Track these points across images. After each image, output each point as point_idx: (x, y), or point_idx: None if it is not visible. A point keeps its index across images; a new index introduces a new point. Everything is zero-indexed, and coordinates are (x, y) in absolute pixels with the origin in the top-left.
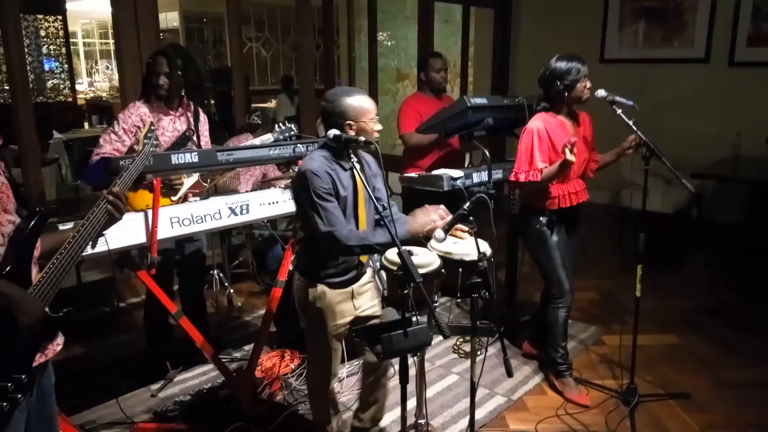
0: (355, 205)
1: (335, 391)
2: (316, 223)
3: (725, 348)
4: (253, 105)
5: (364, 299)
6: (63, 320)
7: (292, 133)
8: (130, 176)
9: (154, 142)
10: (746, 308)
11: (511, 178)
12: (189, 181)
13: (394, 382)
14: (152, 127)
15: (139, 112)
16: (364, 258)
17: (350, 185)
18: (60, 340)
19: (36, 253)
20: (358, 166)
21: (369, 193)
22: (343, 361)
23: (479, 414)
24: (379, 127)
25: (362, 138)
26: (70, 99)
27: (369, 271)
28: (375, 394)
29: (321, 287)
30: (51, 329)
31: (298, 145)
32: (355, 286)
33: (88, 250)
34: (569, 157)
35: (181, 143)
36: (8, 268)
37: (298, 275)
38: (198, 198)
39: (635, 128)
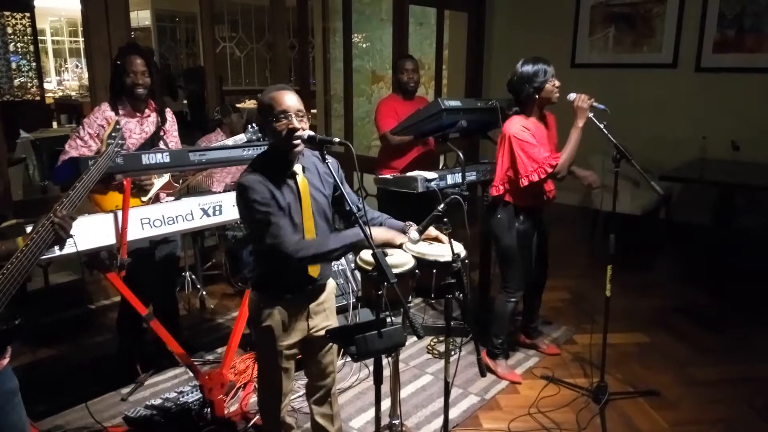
0: (301, 216)
1: (287, 409)
2: (262, 237)
3: (693, 346)
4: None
5: (319, 319)
6: (13, 332)
7: None
8: (85, 187)
9: (119, 142)
10: (714, 307)
11: (523, 183)
12: (160, 181)
13: (368, 383)
14: (117, 126)
15: (104, 116)
16: (314, 272)
17: (291, 195)
18: (7, 353)
19: None
20: (300, 174)
21: (320, 201)
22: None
23: (453, 413)
24: (298, 125)
25: (336, 139)
26: (38, 98)
27: (331, 286)
28: (323, 418)
29: (273, 305)
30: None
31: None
32: (312, 305)
33: (57, 252)
34: (580, 103)
35: (150, 145)
36: None
37: (251, 289)
38: (171, 198)
39: (606, 131)
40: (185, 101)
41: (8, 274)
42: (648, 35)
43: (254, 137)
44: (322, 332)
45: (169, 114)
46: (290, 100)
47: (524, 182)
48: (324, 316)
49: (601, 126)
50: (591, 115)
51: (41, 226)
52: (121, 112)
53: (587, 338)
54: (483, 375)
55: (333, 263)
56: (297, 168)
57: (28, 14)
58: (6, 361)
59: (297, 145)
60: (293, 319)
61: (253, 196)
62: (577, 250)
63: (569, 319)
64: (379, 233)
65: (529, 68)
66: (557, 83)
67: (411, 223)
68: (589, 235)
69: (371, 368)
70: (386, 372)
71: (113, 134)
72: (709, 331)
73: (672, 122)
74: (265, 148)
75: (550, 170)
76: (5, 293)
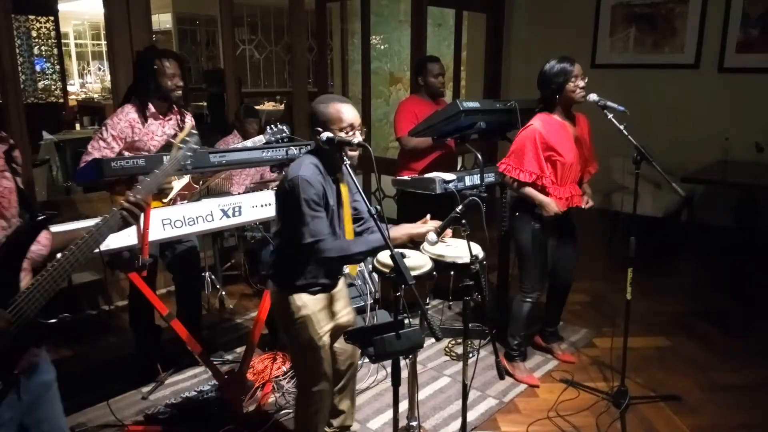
0: (340, 216)
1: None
2: (302, 233)
3: (715, 350)
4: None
5: (340, 305)
6: (52, 327)
7: (284, 134)
8: (156, 181)
9: (193, 147)
10: (736, 311)
11: (499, 164)
12: (179, 183)
13: (386, 384)
14: (192, 131)
15: (128, 118)
16: (353, 270)
17: (334, 198)
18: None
19: (26, 264)
20: (348, 174)
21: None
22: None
23: (471, 416)
24: (357, 139)
25: (355, 140)
26: (61, 100)
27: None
28: (345, 402)
29: (301, 296)
30: (38, 335)
31: (291, 147)
32: (333, 291)
33: None
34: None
35: (170, 147)
36: None
37: (274, 286)
38: (186, 201)
39: (626, 133)
40: (205, 103)
41: (54, 270)
42: (670, 35)
43: (273, 139)
44: (343, 319)
45: (188, 116)
46: (354, 113)
47: (500, 163)
48: (343, 302)
49: (621, 127)
50: (611, 115)
51: (110, 213)
52: (144, 114)
53: (607, 342)
54: (501, 377)
55: None
56: (340, 174)
57: (52, 18)
58: (42, 353)
59: (352, 157)
60: (321, 308)
61: (310, 192)
62: (597, 253)
63: (589, 322)
64: (397, 231)
65: (552, 67)
66: (581, 83)
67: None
68: (608, 237)
69: (389, 370)
70: (404, 374)
71: (186, 139)
72: (732, 335)
73: (694, 123)
74: (288, 148)
75: (518, 178)
76: (51, 287)
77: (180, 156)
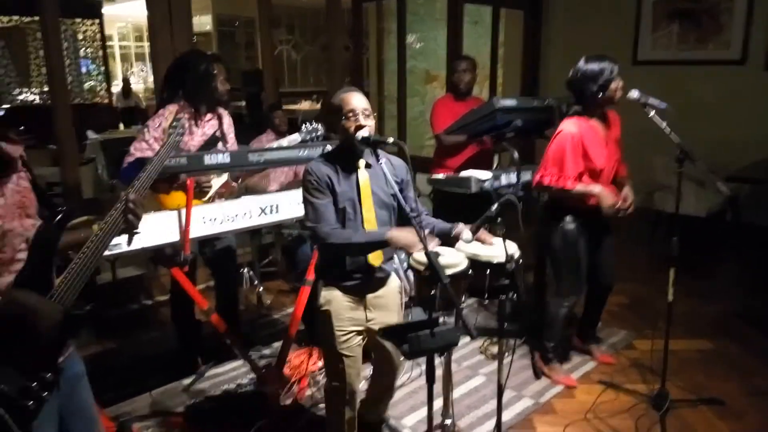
0: (360, 209)
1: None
2: (305, 217)
3: (758, 354)
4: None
5: (378, 313)
6: (86, 317)
7: (319, 133)
8: (149, 176)
9: (180, 131)
10: None
11: (536, 179)
12: (218, 182)
13: (420, 382)
14: (178, 117)
15: (169, 118)
16: (375, 261)
17: (350, 186)
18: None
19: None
20: (362, 168)
21: (381, 196)
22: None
23: (506, 416)
24: (364, 123)
25: (390, 139)
26: (106, 101)
27: (394, 283)
28: (382, 395)
29: (332, 289)
30: (75, 326)
31: (328, 145)
32: (369, 296)
33: (124, 247)
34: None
35: (210, 146)
36: (27, 274)
37: (315, 275)
38: (225, 199)
39: (668, 130)
40: (243, 103)
41: (82, 261)
42: (714, 31)
43: (308, 137)
44: (378, 326)
45: (226, 116)
46: (358, 100)
47: (536, 178)
48: (384, 311)
49: (663, 125)
50: (653, 113)
51: (111, 213)
52: (186, 115)
53: (647, 344)
54: (537, 377)
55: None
56: (360, 163)
57: (97, 21)
58: (72, 347)
59: (400, 143)
60: (351, 307)
61: (309, 179)
62: (637, 253)
63: (629, 324)
64: (402, 237)
65: (594, 66)
66: (621, 83)
67: (460, 224)
68: (650, 237)
69: (424, 367)
70: (439, 372)
71: (174, 124)
72: None
73: (740, 121)
74: (325, 146)
75: (564, 187)
76: (81, 277)
77: (172, 142)
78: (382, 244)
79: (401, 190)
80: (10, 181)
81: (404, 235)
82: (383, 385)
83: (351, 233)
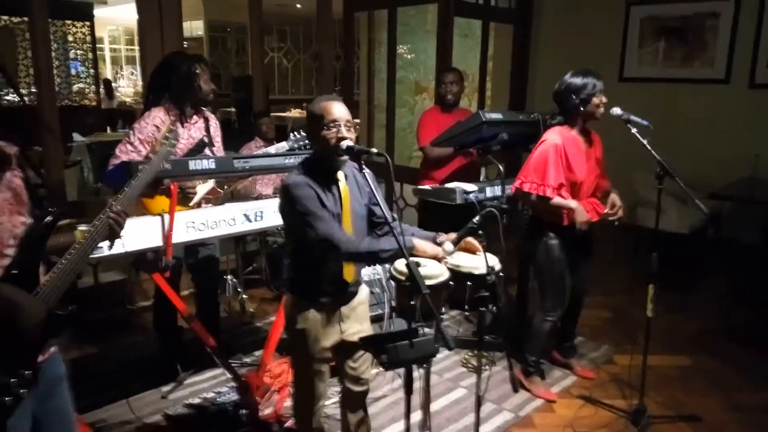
0: (340, 221)
1: (320, 414)
2: (311, 231)
3: (738, 370)
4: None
5: (351, 323)
6: (68, 317)
7: (306, 141)
8: (138, 186)
9: (173, 142)
10: (762, 330)
11: (515, 185)
12: (203, 188)
13: (400, 394)
14: (172, 128)
15: (155, 122)
16: (349, 277)
17: (333, 201)
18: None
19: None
20: (343, 181)
21: (357, 209)
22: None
23: (486, 429)
24: (345, 135)
25: (374, 150)
26: (95, 103)
27: (363, 292)
28: (361, 417)
29: (307, 307)
30: (57, 325)
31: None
32: (344, 308)
33: (106, 251)
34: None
35: (197, 150)
36: (15, 271)
37: (287, 291)
38: (210, 205)
39: (649, 147)
40: (233, 109)
41: (67, 264)
42: (700, 49)
43: (296, 145)
44: (355, 337)
45: (213, 120)
46: (340, 110)
47: (516, 184)
48: (356, 321)
49: (644, 142)
50: (634, 130)
51: (98, 220)
52: (172, 117)
53: (627, 359)
54: (515, 390)
55: (366, 272)
56: (340, 175)
57: (88, 23)
58: (54, 348)
59: (343, 154)
60: (327, 322)
61: (298, 192)
62: (620, 268)
63: (610, 339)
64: (425, 248)
65: (577, 80)
66: (604, 99)
67: (441, 234)
68: (632, 252)
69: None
70: (419, 384)
71: (167, 135)
72: (755, 354)
73: (723, 139)
74: (306, 155)
75: (543, 195)
76: (64, 282)
77: (164, 152)
78: (407, 251)
79: (376, 198)
80: (3, 178)
81: (424, 243)
82: (358, 402)
83: (373, 241)
